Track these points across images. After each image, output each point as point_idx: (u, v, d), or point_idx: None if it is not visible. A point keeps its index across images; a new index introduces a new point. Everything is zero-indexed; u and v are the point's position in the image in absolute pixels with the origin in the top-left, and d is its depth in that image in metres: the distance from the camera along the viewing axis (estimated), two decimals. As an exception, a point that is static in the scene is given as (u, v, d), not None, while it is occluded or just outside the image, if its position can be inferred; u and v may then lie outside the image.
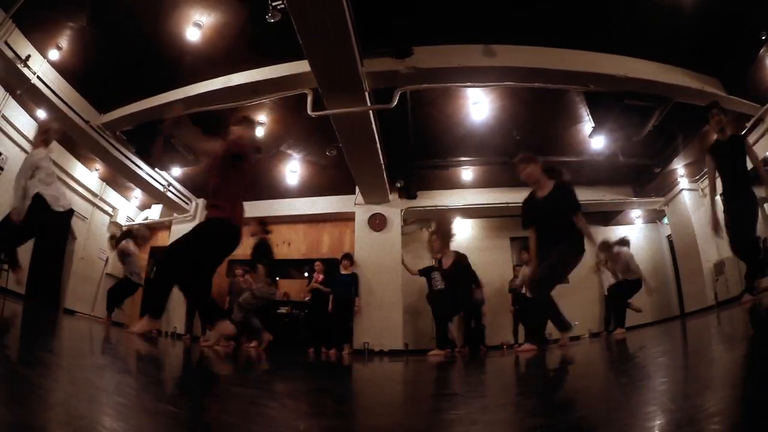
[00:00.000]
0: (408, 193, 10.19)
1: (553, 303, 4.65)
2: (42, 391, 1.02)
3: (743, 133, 7.14)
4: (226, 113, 7.01)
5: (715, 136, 5.48)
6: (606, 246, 7.58)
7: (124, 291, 8.23)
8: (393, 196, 10.00)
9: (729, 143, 5.26)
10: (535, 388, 1.93)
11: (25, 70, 6.39)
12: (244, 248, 5.42)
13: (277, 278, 10.60)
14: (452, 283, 6.61)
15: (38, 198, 5.16)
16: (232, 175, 4.03)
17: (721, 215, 5.32)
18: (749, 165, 5.23)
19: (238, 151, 4.08)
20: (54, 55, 6.66)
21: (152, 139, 8.05)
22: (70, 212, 5.54)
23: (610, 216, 10.87)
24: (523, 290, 8.38)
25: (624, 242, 7.65)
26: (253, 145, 4.47)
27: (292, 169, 9.76)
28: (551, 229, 4.57)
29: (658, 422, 0.88)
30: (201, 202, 10.73)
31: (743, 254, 5.20)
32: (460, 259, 6.64)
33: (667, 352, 2.67)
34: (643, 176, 9.54)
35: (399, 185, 9.82)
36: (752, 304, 4.79)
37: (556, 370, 2.66)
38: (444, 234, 6.80)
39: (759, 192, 5.34)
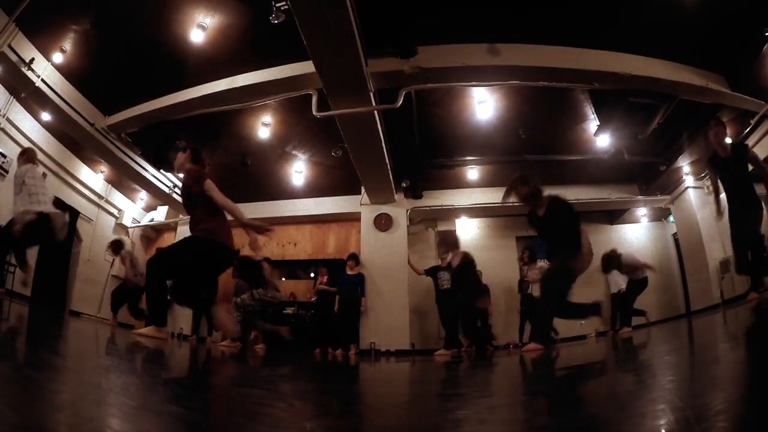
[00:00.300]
0: (414, 193, 10.18)
1: (559, 304, 4.69)
2: (49, 394, 1.02)
3: (747, 131, 7.11)
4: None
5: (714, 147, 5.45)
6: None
7: (128, 293, 8.29)
8: (399, 196, 9.95)
9: (730, 155, 5.23)
10: (542, 387, 1.93)
11: (29, 74, 6.41)
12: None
13: (283, 278, 10.67)
14: (457, 281, 6.69)
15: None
16: (199, 205, 3.95)
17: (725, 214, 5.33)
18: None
19: (189, 187, 3.97)
20: (58, 58, 6.68)
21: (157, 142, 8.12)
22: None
23: (616, 215, 10.82)
24: (530, 290, 8.38)
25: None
26: (193, 168, 4.16)
27: (298, 170, 9.75)
28: (559, 240, 4.60)
29: (666, 420, 0.87)
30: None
31: (740, 253, 5.19)
32: (466, 256, 6.85)
33: (673, 350, 2.66)
34: (649, 174, 9.49)
35: (405, 185, 9.79)
36: (758, 302, 4.76)
37: (563, 369, 2.65)
38: (449, 244, 7.06)
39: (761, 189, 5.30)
